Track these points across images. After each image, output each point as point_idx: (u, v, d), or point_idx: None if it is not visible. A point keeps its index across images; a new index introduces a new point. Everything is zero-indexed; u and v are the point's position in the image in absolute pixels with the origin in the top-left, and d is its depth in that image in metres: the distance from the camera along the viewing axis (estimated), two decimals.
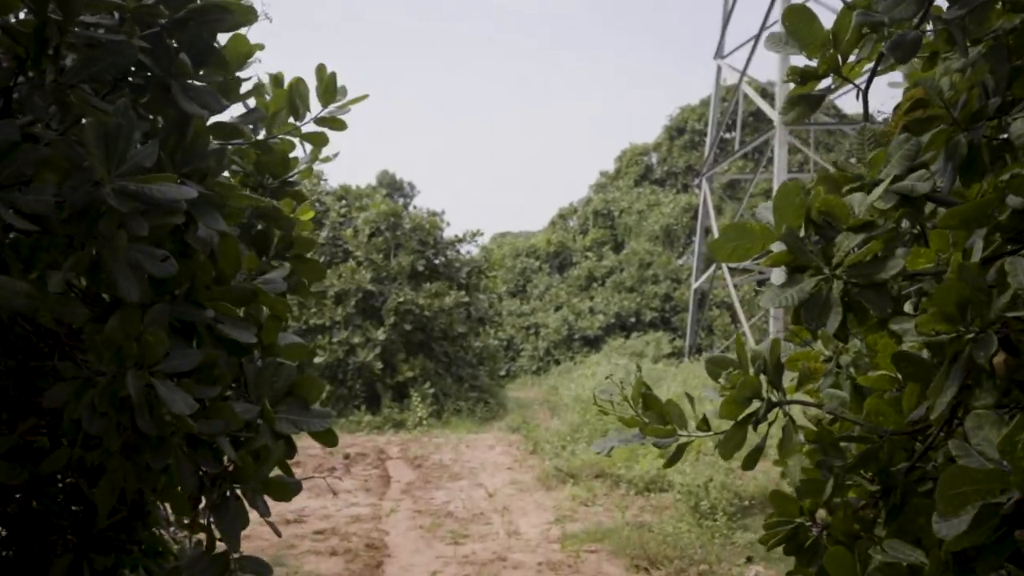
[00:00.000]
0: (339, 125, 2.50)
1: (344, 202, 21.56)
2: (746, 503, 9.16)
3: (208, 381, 1.84)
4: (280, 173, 2.49)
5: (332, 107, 2.47)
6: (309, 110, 2.45)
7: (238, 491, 2.01)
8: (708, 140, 25.90)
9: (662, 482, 10.59)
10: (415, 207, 20.34)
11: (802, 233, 1.72)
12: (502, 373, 31.62)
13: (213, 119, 1.99)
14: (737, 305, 21.07)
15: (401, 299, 18.30)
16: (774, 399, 1.99)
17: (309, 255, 2.46)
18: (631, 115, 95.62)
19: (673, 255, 35.07)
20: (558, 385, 25.97)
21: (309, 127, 2.47)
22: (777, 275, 1.72)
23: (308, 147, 2.53)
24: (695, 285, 25.85)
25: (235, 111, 2.20)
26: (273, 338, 2.15)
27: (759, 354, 2.02)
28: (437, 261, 20.21)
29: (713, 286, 27.42)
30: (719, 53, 24.98)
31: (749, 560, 7.92)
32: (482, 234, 21.00)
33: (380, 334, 18.10)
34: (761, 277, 25.94)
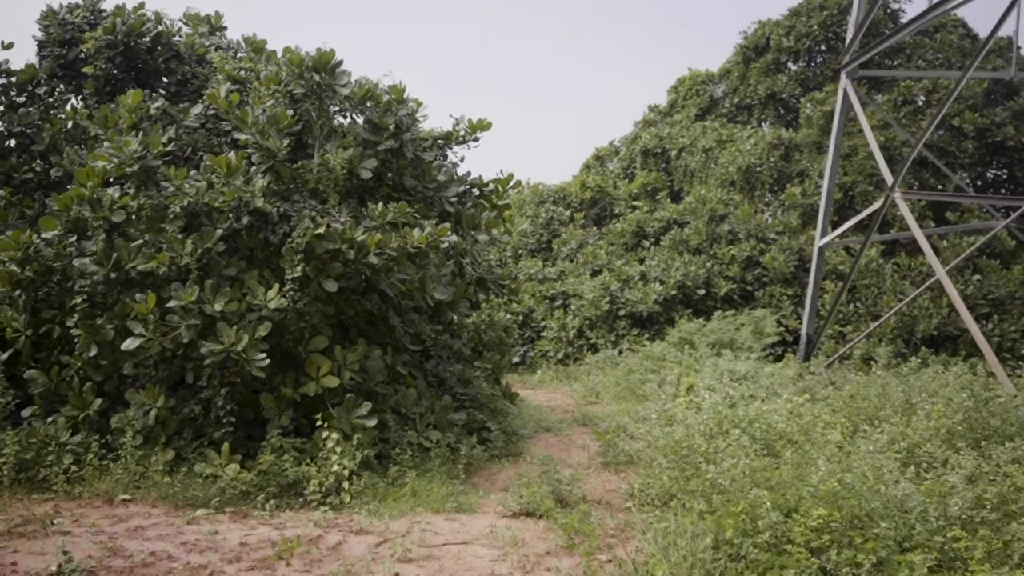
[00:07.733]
0: None
1: (249, 63, 12.32)
2: None
3: None
4: None
5: None
6: None
7: None
8: (853, 15, 16.38)
9: None
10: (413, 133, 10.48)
11: None
12: (516, 360, 22.46)
13: None
14: (933, 259, 11.74)
15: (321, 230, 9.10)
16: None
17: None
18: (689, 41, 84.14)
19: (758, 205, 25.59)
20: (600, 388, 16.81)
21: None
22: None
23: None
24: (820, 242, 16.51)
25: None
26: None
27: None
28: (403, 169, 10.96)
29: (827, 247, 18.12)
30: None
31: None
32: (488, 127, 11.71)
33: (273, 297, 8.96)
34: (954, 229, 16.52)
